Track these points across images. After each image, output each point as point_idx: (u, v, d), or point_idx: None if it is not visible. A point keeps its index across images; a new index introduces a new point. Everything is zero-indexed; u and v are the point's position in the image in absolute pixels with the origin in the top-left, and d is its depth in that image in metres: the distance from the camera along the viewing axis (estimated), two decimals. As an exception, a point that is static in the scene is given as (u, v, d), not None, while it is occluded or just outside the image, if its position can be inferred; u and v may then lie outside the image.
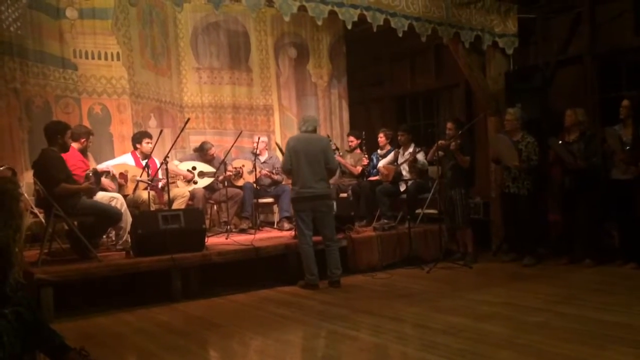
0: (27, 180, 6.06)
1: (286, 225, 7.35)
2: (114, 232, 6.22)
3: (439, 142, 6.80)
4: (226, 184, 7.11)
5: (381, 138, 7.88)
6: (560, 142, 6.42)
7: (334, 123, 9.35)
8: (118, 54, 7.12)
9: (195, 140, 7.96)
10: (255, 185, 7.15)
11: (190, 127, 7.82)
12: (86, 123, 6.77)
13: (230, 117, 8.48)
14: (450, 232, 6.99)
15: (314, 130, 5.85)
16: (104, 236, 6.18)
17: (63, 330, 2.71)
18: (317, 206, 5.68)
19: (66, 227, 5.61)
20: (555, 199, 6.89)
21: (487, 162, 7.47)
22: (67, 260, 5.43)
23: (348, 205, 7.00)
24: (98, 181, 6.06)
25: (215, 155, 7.45)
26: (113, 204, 5.79)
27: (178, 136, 6.71)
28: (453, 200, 6.77)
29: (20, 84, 6.48)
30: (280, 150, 6.14)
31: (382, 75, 9.85)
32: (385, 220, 7.08)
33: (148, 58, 7.57)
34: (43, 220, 5.64)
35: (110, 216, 5.65)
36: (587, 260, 6.33)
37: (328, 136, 7.13)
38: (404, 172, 7.41)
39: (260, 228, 7.36)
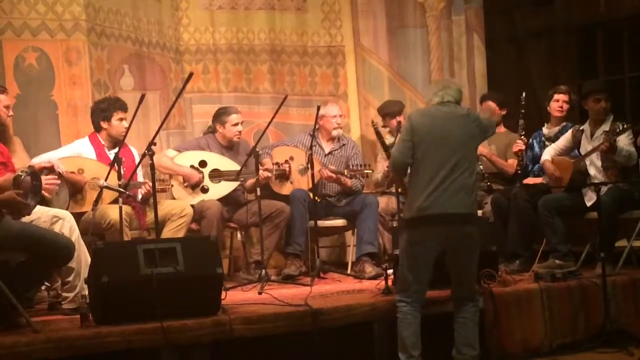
0: None
1: (369, 268, 5.69)
2: (59, 280, 4.77)
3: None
4: (259, 192, 5.47)
5: (560, 101, 5.75)
6: None
7: (458, 75, 7.14)
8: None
9: (202, 113, 6.25)
10: (312, 194, 5.63)
11: (193, 90, 6.15)
12: (11, 83, 5.26)
13: (266, 69, 6.57)
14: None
15: (457, 102, 4.45)
16: (43, 287, 4.77)
17: None
18: (454, 237, 4.24)
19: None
20: None
21: None
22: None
23: (487, 232, 5.17)
24: (38, 188, 4.54)
25: (240, 138, 5.91)
26: (57, 228, 4.51)
27: (173, 105, 4.86)
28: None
29: None
30: (379, 135, 5.35)
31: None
32: (558, 261, 5.32)
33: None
34: None
35: (53, 251, 4.42)
36: None
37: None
38: (592, 170, 5.61)
39: (322, 274, 5.80)
